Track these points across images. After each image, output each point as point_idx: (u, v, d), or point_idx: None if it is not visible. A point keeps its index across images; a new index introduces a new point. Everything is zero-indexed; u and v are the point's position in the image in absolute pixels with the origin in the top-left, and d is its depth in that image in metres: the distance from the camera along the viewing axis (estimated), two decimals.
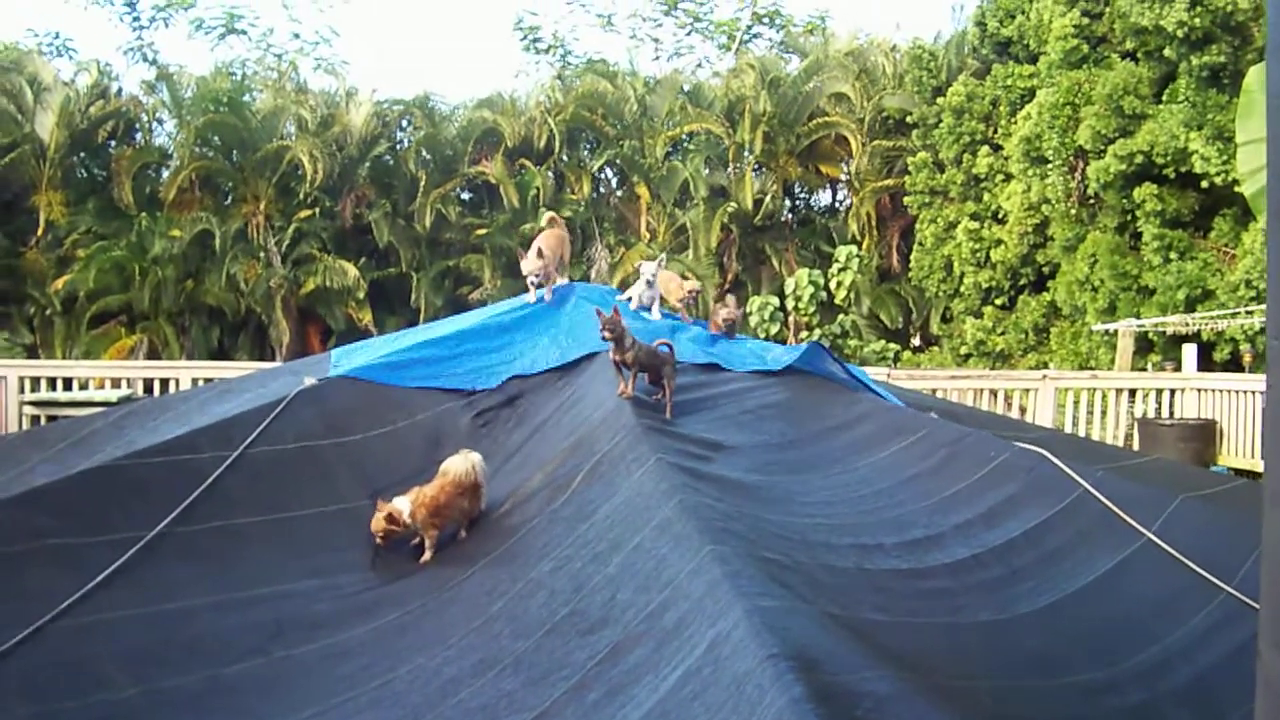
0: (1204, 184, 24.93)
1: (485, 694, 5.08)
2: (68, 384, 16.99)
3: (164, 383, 16.89)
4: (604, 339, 7.53)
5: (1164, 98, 26.43)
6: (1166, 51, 25.78)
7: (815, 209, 44.49)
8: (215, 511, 6.91)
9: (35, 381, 16.83)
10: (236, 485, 7.18)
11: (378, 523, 6.49)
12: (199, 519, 6.83)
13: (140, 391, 16.76)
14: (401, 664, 5.65)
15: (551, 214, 10.62)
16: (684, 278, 10.35)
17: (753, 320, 25.80)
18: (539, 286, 9.59)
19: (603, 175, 43.18)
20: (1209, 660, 5.67)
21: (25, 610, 5.85)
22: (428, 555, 6.71)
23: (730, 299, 10.73)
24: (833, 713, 3.90)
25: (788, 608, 4.88)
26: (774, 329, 25.70)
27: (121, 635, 5.89)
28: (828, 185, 43.61)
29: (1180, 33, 24.75)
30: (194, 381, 15.78)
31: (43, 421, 15.40)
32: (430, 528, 6.69)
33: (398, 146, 42.03)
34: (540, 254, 9.49)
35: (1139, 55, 27.33)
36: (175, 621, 6.12)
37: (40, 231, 37.28)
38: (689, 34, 51.24)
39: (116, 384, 17.39)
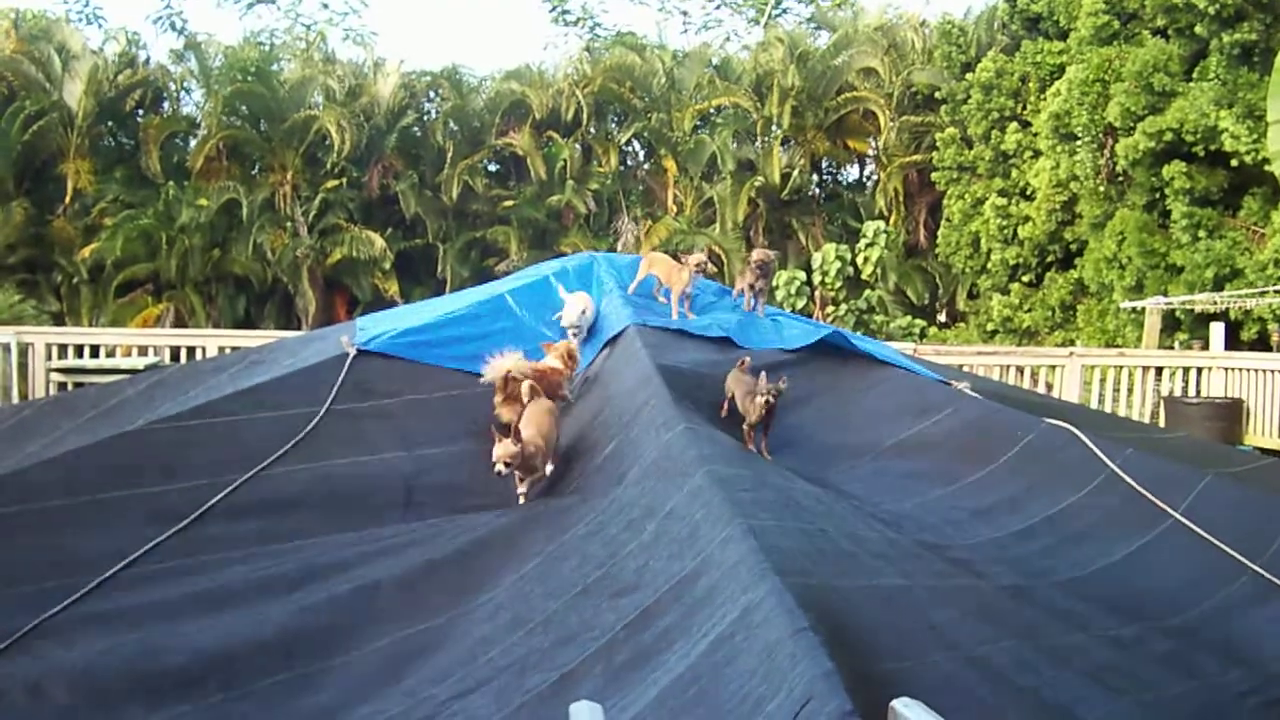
0: (1234, 162, 24.78)
1: (515, 652, 5.13)
2: (94, 351, 17.03)
3: (190, 351, 16.92)
4: (763, 400, 7.09)
5: (1194, 75, 26.28)
6: (1198, 28, 25.64)
7: (843, 184, 44.38)
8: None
9: (62, 349, 16.87)
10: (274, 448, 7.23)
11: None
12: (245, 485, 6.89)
13: (167, 359, 16.79)
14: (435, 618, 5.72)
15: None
16: (680, 257, 9.75)
17: (779, 294, 25.82)
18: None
19: (630, 148, 43.12)
20: (1240, 627, 5.69)
21: (65, 576, 5.93)
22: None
23: (766, 254, 10.31)
24: (862, 684, 3.94)
25: (815, 581, 4.91)
26: (800, 303, 25.71)
27: (159, 598, 5.96)
28: (855, 160, 43.50)
29: (1212, 9, 24.61)
30: (220, 350, 15.81)
31: (69, 388, 15.45)
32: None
33: (425, 117, 42.00)
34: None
35: (1170, 32, 27.18)
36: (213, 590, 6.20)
37: (68, 200, 37.39)
38: (718, 7, 51.41)
39: (143, 352, 17.42)
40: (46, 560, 6.06)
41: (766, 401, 7.01)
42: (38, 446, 7.77)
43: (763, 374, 7.23)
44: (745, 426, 7.17)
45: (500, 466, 6.22)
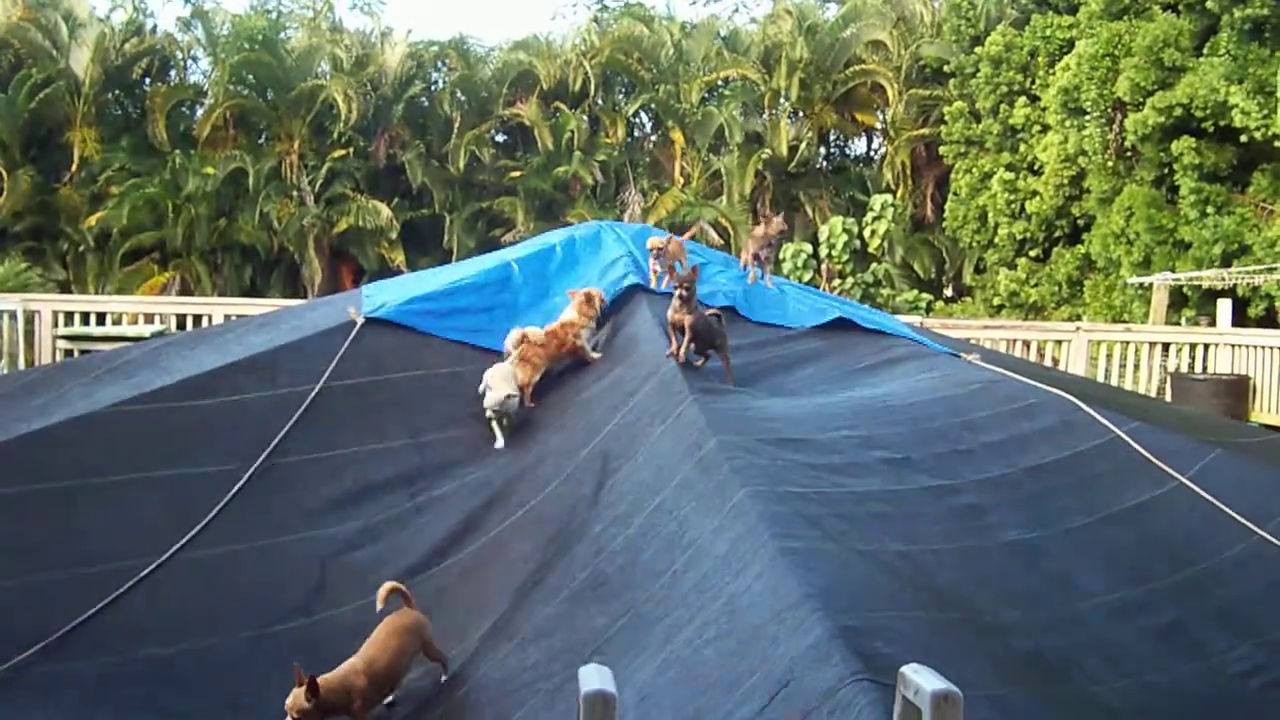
0: (1243, 138, 24.71)
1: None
2: (101, 319, 17.03)
3: (196, 319, 16.91)
4: (678, 294, 7.40)
5: (1205, 50, 26.14)
6: (1208, 3, 25.49)
7: (850, 157, 44.36)
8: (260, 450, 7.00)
9: (69, 316, 16.87)
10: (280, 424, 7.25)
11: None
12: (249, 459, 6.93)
13: (173, 327, 16.80)
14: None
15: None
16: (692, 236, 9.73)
17: (785, 267, 25.75)
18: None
19: (637, 119, 43.05)
20: (1243, 587, 5.69)
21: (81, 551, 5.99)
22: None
23: (775, 219, 10.23)
24: (856, 653, 3.95)
25: (814, 548, 4.93)
26: (806, 276, 25.65)
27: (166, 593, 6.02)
28: (863, 133, 43.49)
29: None
30: (226, 318, 15.79)
31: (75, 355, 15.47)
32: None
33: (432, 87, 41.94)
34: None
35: (1180, 7, 27.04)
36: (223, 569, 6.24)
37: (74, 168, 37.40)
38: None
39: (149, 319, 17.43)
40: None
41: (684, 294, 7.33)
42: (44, 400, 7.78)
43: (671, 270, 7.74)
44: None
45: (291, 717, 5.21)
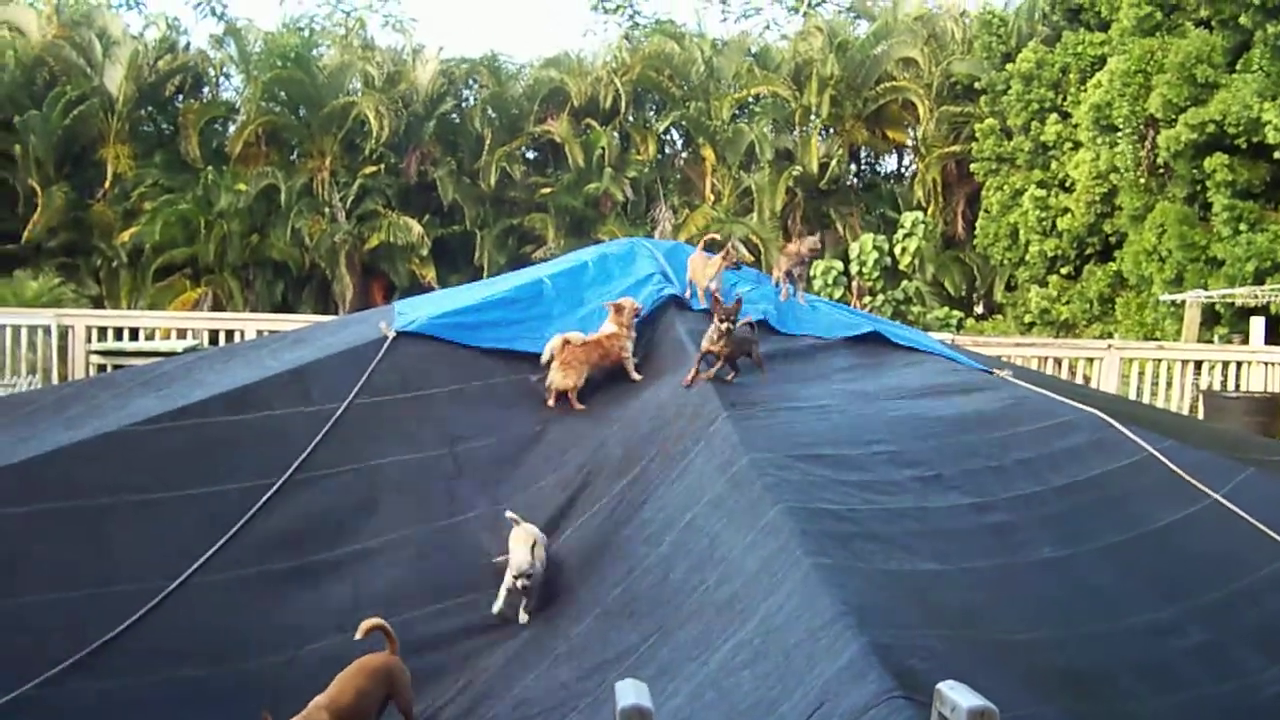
0: (1277, 155, 24.62)
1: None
2: (134, 334, 17.14)
3: (229, 334, 17.02)
4: (720, 325, 7.21)
5: (1238, 67, 26.05)
6: (1242, 19, 25.41)
7: (881, 174, 44.31)
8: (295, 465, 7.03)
9: (102, 331, 16.99)
10: (311, 438, 7.27)
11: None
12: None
13: (206, 343, 16.89)
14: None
15: None
16: (723, 252, 9.50)
17: (816, 284, 25.73)
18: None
19: (668, 136, 43.09)
20: (1278, 606, 5.66)
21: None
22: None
23: (809, 238, 10.16)
24: (890, 671, 3.94)
25: (847, 565, 4.92)
26: (837, 293, 25.63)
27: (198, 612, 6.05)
28: (894, 150, 43.42)
29: (1256, 0, 24.40)
30: (259, 333, 15.87)
31: (109, 370, 15.56)
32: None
33: (463, 104, 42.02)
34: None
35: (1213, 23, 26.95)
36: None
37: (107, 184, 37.61)
38: None
39: (182, 335, 17.54)
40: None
41: (724, 329, 7.10)
42: (78, 414, 7.82)
43: (717, 300, 7.32)
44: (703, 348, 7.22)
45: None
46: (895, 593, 4.91)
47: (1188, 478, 6.55)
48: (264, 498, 6.72)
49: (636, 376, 8.21)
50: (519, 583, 6.10)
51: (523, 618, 6.16)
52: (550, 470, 7.26)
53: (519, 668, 5.65)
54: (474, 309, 8.98)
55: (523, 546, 6.21)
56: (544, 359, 8.08)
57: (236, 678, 5.71)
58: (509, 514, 6.36)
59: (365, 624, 5.66)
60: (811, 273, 25.86)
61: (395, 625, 5.81)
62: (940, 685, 2.96)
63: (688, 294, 9.13)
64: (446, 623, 6.22)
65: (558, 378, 7.88)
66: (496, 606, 6.21)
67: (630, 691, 2.95)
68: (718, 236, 9.60)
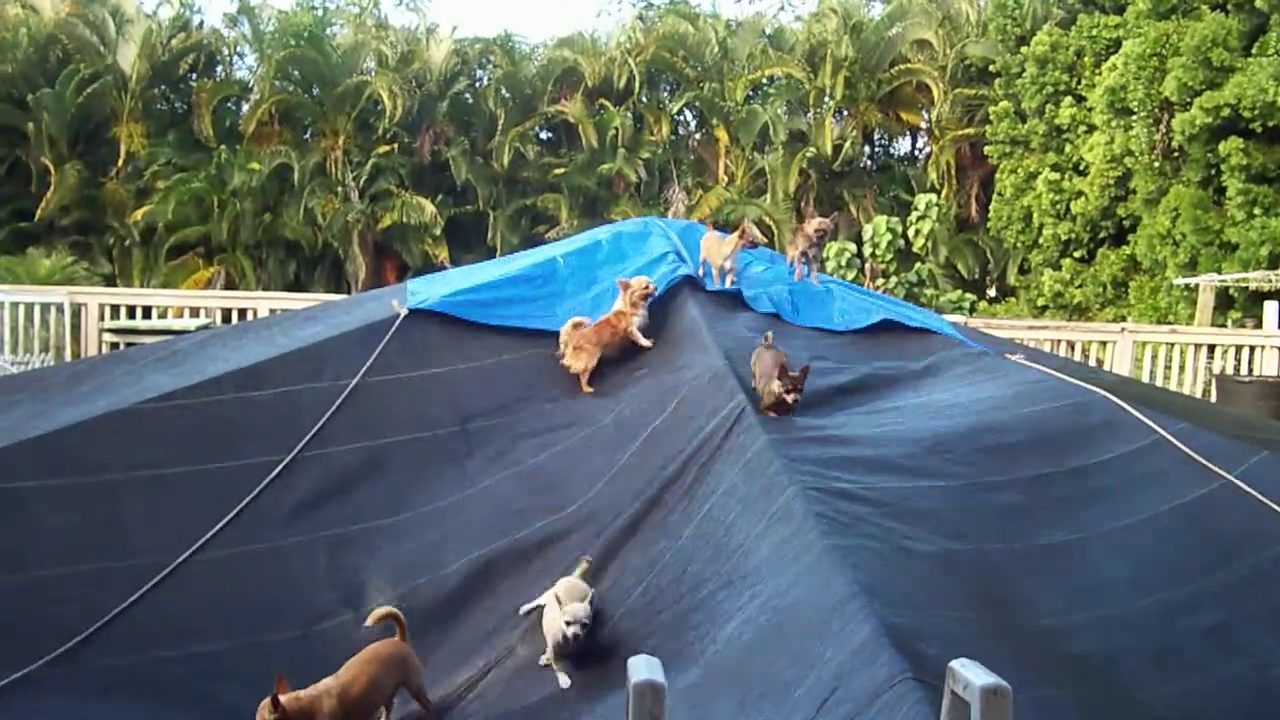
0: None
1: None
2: (146, 312, 17.13)
3: (241, 313, 16.95)
4: (785, 392, 6.62)
5: (1253, 50, 25.97)
6: (1257, 3, 25.36)
7: (894, 156, 44.28)
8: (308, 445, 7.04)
9: (115, 309, 16.98)
10: (322, 414, 7.27)
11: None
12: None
13: (218, 321, 16.88)
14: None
15: None
16: (735, 232, 9.47)
17: (830, 266, 25.72)
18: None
19: (682, 117, 43.11)
20: None
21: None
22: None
23: (824, 223, 10.06)
24: (903, 652, 3.95)
25: (861, 545, 4.93)
26: (850, 275, 25.60)
27: (212, 587, 6.07)
28: (908, 132, 43.39)
29: None
30: (271, 312, 15.85)
31: (122, 348, 15.56)
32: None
33: (477, 84, 42.03)
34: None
35: (1229, 6, 26.86)
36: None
37: (120, 162, 37.70)
38: None
39: (195, 313, 17.52)
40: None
41: (781, 396, 6.59)
42: (91, 389, 7.83)
43: (784, 367, 6.68)
44: (761, 407, 6.63)
45: None
46: (908, 574, 4.91)
47: (1200, 459, 6.52)
48: (272, 473, 6.72)
49: (646, 342, 8.20)
50: (571, 630, 5.39)
51: (564, 681, 5.46)
52: (563, 450, 7.25)
53: (537, 652, 5.63)
54: (487, 287, 8.94)
55: (568, 599, 5.58)
56: (560, 342, 8.10)
57: (249, 653, 5.71)
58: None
59: (377, 612, 5.63)
60: (825, 255, 25.83)
61: (406, 603, 5.83)
62: (953, 663, 2.96)
63: (701, 273, 9.12)
64: (460, 591, 6.22)
65: (571, 361, 7.92)
66: (544, 659, 5.62)
67: (643, 667, 2.96)
68: (709, 225, 9.51)
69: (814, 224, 9.65)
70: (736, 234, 9.07)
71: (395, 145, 38.89)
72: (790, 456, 5.82)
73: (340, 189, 38.00)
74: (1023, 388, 7.67)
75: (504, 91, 40.49)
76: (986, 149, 35.61)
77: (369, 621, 5.60)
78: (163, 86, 40.04)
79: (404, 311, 8.28)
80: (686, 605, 5.26)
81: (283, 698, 4.93)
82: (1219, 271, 25.44)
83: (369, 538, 6.55)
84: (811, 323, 9.01)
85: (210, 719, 5.36)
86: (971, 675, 2.83)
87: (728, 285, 8.99)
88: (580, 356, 7.89)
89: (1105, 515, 5.99)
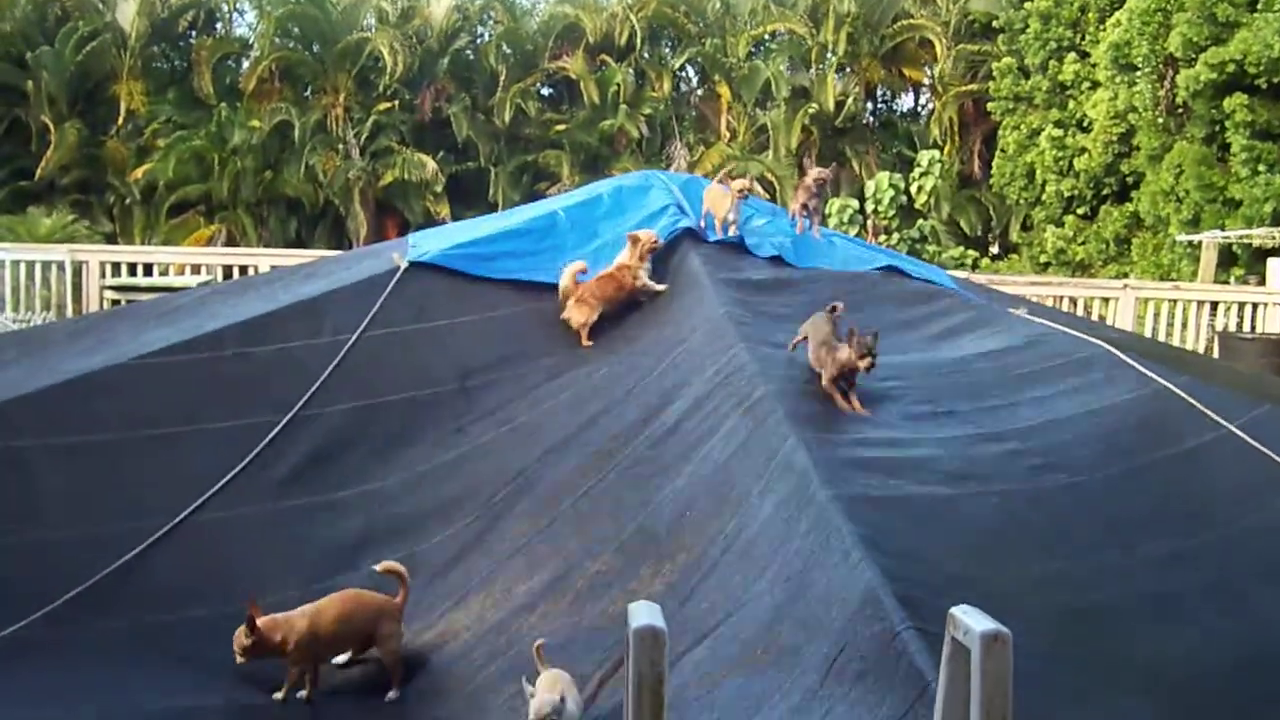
0: None
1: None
2: (148, 270, 17.14)
3: (242, 269, 16.96)
4: (860, 360, 6.02)
5: (1259, 5, 25.78)
6: None
7: (897, 112, 44.18)
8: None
9: (116, 267, 17.00)
10: (322, 370, 7.25)
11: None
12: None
13: (220, 279, 16.87)
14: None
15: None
16: (734, 179, 9.44)
17: (831, 222, 25.67)
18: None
19: (684, 74, 43.02)
20: None
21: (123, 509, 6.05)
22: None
23: (822, 172, 10.01)
24: (905, 603, 3.96)
25: (863, 495, 4.93)
26: (853, 231, 25.57)
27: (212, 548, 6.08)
28: (910, 89, 43.28)
29: None
30: (272, 269, 15.85)
31: (123, 305, 15.58)
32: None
33: (478, 40, 41.93)
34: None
35: None
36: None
37: (120, 121, 37.64)
38: None
39: (196, 270, 17.53)
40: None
41: (854, 367, 6.03)
42: (92, 346, 7.81)
43: (853, 331, 6.10)
44: (824, 383, 6.15)
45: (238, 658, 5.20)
46: (910, 522, 4.91)
47: (1203, 408, 6.52)
48: (269, 436, 6.71)
49: (659, 287, 8.18)
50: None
51: None
52: (563, 403, 7.23)
53: (538, 600, 5.62)
54: (487, 240, 8.93)
55: (547, 689, 5.19)
56: (561, 290, 8.07)
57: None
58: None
59: (385, 564, 5.67)
60: (827, 211, 25.80)
61: (406, 555, 5.85)
62: (953, 610, 2.95)
63: (703, 225, 9.09)
64: (459, 551, 6.21)
65: (572, 313, 7.89)
66: None
67: (644, 612, 2.95)
68: (725, 177, 9.44)
69: (812, 174, 9.64)
70: (736, 186, 9.04)
71: (396, 102, 38.83)
72: (791, 406, 5.81)
73: (341, 146, 37.97)
74: (1025, 340, 7.68)
75: (505, 48, 40.38)
76: (990, 105, 35.45)
77: (378, 568, 5.64)
78: (162, 44, 39.92)
79: (404, 265, 8.26)
80: (684, 562, 5.24)
81: (259, 620, 5.07)
82: (1222, 228, 25.38)
83: (367, 496, 6.55)
84: (813, 264, 9.01)
85: (209, 680, 5.36)
86: (972, 621, 2.83)
87: (730, 235, 8.96)
88: (581, 310, 7.87)
89: (1105, 464, 5.99)
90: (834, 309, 6.56)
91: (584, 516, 5.98)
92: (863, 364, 5.98)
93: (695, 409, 6.26)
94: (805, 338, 6.46)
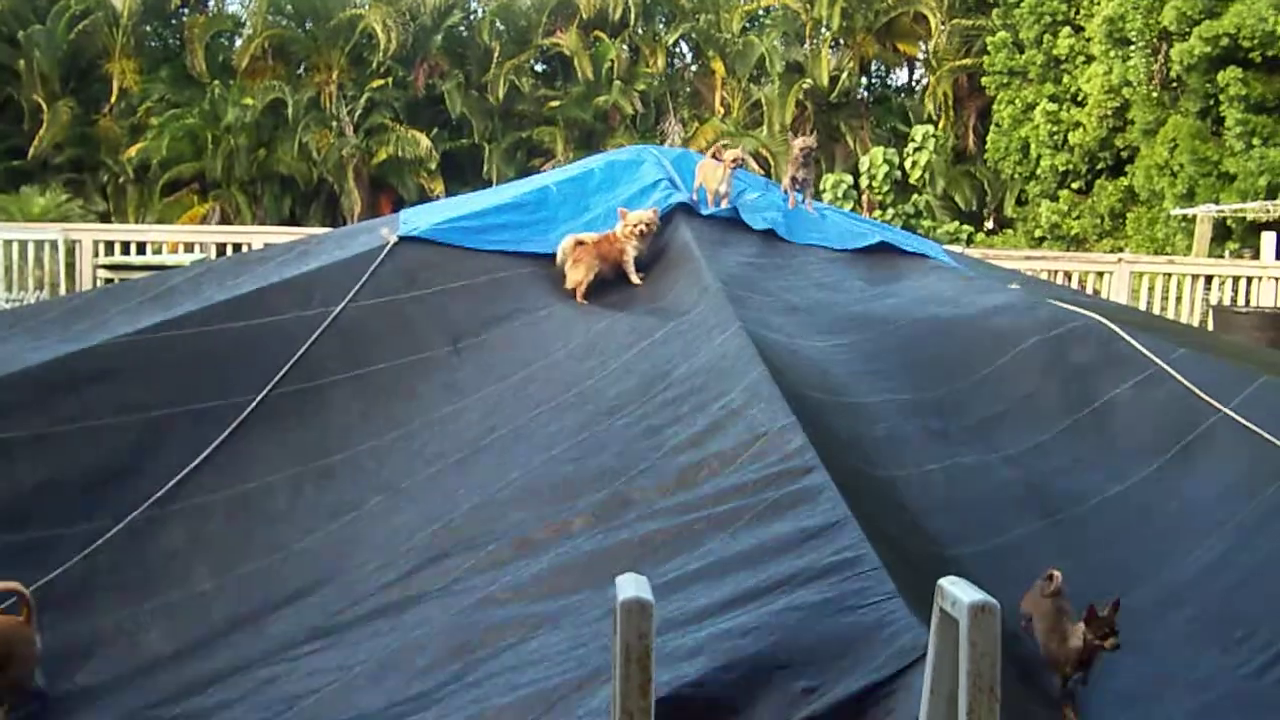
0: None
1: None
2: (141, 248, 17.10)
3: (236, 247, 16.92)
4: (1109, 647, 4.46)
5: None
6: None
7: (891, 87, 44.12)
8: (296, 374, 6.98)
9: (109, 246, 16.95)
10: (316, 345, 7.22)
11: None
12: (283, 382, 6.91)
13: (214, 256, 16.82)
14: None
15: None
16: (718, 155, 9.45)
17: (826, 197, 25.66)
18: None
19: (677, 49, 42.93)
20: None
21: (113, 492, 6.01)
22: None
23: (807, 141, 10.00)
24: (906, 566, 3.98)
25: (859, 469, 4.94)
26: (847, 207, 25.54)
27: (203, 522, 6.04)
28: (905, 64, 43.21)
29: None
30: (266, 246, 15.82)
31: (116, 284, 15.55)
32: None
33: (471, 17, 41.85)
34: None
35: None
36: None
37: (113, 99, 37.56)
38: None
39: (190, 249, 17.48)
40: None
41: (1094, 645, 4.43)
42: (86, 326, 7.77)
43: (1092, 610, 4.47)
44: (1059, 680, 4.58)
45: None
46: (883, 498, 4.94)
47: (1197, 391, 6.50)
48: (249, 407, 6.66)
49: (636, 280, 8.17)
50: None
51: None
52: (558, 359, 7.22)
53: (524, 550, 5.58)
54: (479, 214, 8.90)
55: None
56: (559, 260, 8.08)
57: (236, 586, 5.69)
58: None
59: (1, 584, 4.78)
60: (822, 186, 25.78)
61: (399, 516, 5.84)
62: (941, 581, 2.96)
63: (695, 198, 9.08)
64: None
65: (570, 272, 7.93)
66: None
67: (630, 584, 2.95)
68: (719, 150, 9.42)
69: (797, 144, 9.64)
70: (728, 156, 9.04)
71: (389, 79, 38.76)
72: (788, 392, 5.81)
73: (334, 124, 37.93)
74: (1018, 313, 7.67)
75: (498, 24, 40.33)
76: (984, 80, 35.39)
77: None
78: (154, 22, 39.86)
79: (394, 239, 8.24)
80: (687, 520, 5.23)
81: None
82: (1217, 202, 25.36)
83: (356, 464, 6.52)
84: (806, 241, 9.02)
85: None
86: (960, 592, 2.83)
87: (722, 208, 8.96)
88: (578, 268, 7.91)
89: (1099, 439, 6.00)
90: (1051, 577, 4.76)
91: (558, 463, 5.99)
92: (1107, 644, 4.46)
93: (694, 373, 6.27)
94: (1030, 619, 4.81)
